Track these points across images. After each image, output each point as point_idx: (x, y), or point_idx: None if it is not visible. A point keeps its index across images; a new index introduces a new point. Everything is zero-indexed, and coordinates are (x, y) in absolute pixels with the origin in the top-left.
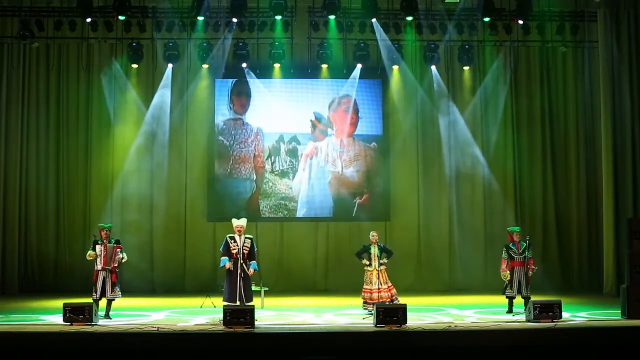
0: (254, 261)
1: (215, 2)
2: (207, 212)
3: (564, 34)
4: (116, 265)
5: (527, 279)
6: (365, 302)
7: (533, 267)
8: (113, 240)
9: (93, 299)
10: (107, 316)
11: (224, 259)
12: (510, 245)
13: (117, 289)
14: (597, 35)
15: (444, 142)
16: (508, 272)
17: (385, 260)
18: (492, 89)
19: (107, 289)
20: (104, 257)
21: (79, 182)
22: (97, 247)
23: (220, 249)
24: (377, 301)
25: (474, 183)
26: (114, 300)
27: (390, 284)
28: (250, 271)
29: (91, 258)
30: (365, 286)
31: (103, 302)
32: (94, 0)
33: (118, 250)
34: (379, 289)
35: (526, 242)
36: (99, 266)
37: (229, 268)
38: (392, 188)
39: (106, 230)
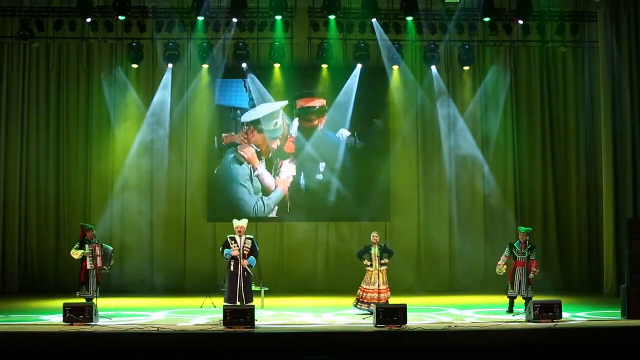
0: (251, 256)
1: (215, 2)
2: (207, 212)
3: (564, 34)
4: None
5: (528, 279)
6: (358, 301)
7: (534, 269)
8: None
9: (89, 298)
10: None
11: (227, 250)
12: (515, 244)
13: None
14: (597, 35)
15: (444, 142)
16: (503, 267)
17: (386, 261)
18: (492, 89)
19: (95, 288)
20: (101, 257)
21: (78, 181)
22: (87, 246)
23: (220, 249)
24: (373, 301)
25: (473, 183)
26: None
27: (388, 286)
28: (244, 262)
29: (78, 257)
30: (363, 285)
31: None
32: (94, 0)
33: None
34: (379, 289)
35: (529, 244)
36: (90, 265)
37: (232, 260)
38: (392, 188)
39: (92, 231)
